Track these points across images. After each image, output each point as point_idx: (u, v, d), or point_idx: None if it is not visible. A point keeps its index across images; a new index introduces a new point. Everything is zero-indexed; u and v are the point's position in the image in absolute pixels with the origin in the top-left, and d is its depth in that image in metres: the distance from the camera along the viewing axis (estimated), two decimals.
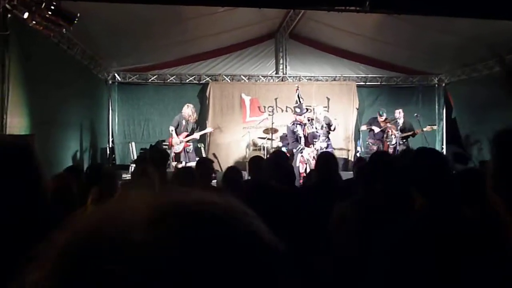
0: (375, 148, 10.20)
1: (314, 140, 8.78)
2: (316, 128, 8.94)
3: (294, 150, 8.70)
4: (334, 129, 9.38)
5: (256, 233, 0.45)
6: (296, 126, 8.80)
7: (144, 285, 0.38)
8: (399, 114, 10.08)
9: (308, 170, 8.04)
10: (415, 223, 1.80)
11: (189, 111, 9.82)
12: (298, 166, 8.35)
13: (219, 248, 0.41)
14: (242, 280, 0.41)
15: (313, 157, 8.43)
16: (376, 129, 10.29)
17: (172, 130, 9.72)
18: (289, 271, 0.46)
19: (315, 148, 8.69)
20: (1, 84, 5.95)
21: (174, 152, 9.60)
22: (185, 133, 9.75)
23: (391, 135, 9.97)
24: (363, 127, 10.74)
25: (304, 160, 8.50)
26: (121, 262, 0.39)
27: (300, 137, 8.70)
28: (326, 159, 4.08)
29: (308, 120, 8.96)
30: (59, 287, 0.40)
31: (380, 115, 10.32)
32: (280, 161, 3.84)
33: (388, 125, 10.10)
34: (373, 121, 10.49)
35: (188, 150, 9.79)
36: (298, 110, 9.03)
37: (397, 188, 2.25)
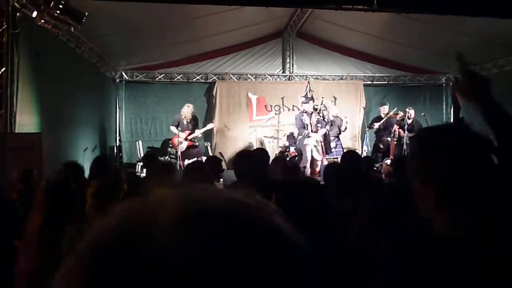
0: (381, 146, 10.18)
1: (318, 125, 9.42)
2: (322, 116, 9.69)
3: (300, 137, 9.34)
4: (345, 129, 10.01)
5: (280, 230, 0.45)
6: (303, 114, 9.47)
7: (168, 285, 0.38)
8: (409, 113, 10.06)
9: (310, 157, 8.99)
10: (421, 222, 1.79)
11: (189, 111, 9.90)
12: (306, 150, 9.09)
13: (244, 248, 0.41)
14: (270, 280, 0.41)
15: (319, 141, 9.26)
16: (376, 125, 10.31)
17: (175, 129, 9.79)
18: (314, 268, 0.46)
19: (319, 134, 9.36)
20: (11, 82, 5.99)
21: (180, 152, 9.64)
22: (187, 132, 9.81)
23: (396, 133, 9.94)
24: (375, 125, 10.73)
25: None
26: (145, 260, 0.39)
27: (307, 124, 9.31)
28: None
29: (315, 109, 9.57)
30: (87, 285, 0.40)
31: (383, 104, 10.42)
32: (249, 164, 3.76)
33: (391, 114, 10.11)
34: (377, 119, 10.49)
35: (195, 142, 9.86)
36: (303, 99, 9.69)
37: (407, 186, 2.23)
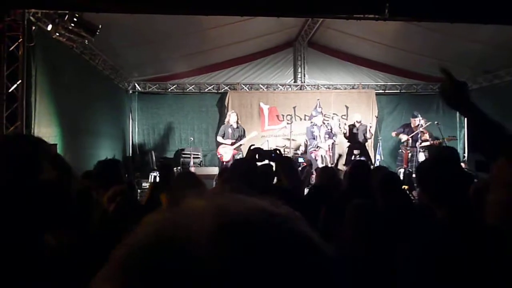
0: (403, 155, 9.98)
1: (326, 136, 9.90)
2: (331, 129, 10.08)
3: (310, 147, 9.84)
4: (372, 136, 10.39)
5: (309, 239, 0.46)
6: (313, 127, 9.93)
7: None
8: (422, 121, 9.99)
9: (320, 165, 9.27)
10: (438, 235, 1.78)
11: (234, 118, 9.88)
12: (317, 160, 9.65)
13: (281, 262, 0.42)
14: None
15: (327, 151, 9.73)
16: (404, 137, 10.15)
17: (221, 139, 9.75)
18: (342, 276, 0.47)
19: (326, 144, 9.83)
20: (27, 94, 6.09)
21: (224, 161, 9.60)
22: (232, 141, 9.78)
23: (410, 142, 9.85)
24: (393, 134, 10.68)
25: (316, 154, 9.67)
26: (181, 271, 0.40)
27: (317, 136, 9.82)
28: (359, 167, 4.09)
29: (323, 123, 9.97)
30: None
31: (414, 116, 10.18)
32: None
33: (421, 129, 9.97)
34: (406, 126, 10.36)
35: (239, 151, 9.80)
36: (313, 112, 10.22)
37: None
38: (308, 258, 0.44)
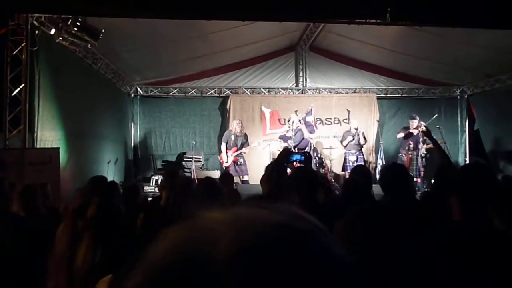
0: (404, 159, 9.91)
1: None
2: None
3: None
4: (366, 142, 10.29)
5: (329, 252, 0.45)
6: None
7: None
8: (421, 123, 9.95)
9: None
10: (451, 234, 1.78)
11: (238, 127, 9.93)
12: None
13: (300, 273, 0.42)
14: None
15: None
16: (400, 135, 10.16)
17: (223, 147, 9.81)
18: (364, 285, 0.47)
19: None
20: (30, 98, 6.12)
21: (225, 167, 9.65)
22: (235, 148, 9.81)
23: (411, 146, 9.82)
24: (398, 136, 10.56)
25: None
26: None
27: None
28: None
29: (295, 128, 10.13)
30: None
31: (413, 118, 10.11)
32: None
33: (419, 130, 9.89)
34: (405, 129, 10.28)
35: (239, 163, 9.79)
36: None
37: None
38: (329, 275, 0.43)
